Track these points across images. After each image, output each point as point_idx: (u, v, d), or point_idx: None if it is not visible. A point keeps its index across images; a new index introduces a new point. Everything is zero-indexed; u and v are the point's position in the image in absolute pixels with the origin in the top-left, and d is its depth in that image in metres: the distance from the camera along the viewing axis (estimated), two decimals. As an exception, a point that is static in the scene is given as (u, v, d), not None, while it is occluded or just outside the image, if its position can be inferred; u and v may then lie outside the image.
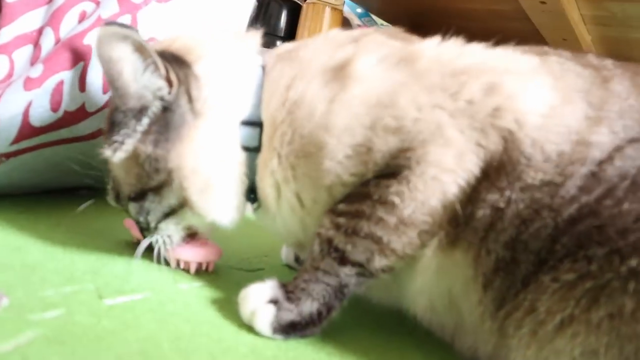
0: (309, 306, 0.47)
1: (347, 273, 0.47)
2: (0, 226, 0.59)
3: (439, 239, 0.46)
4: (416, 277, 0.47)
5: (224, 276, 0.59)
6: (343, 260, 0.47)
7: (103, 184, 0.58)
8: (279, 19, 1.47)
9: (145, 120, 0.50)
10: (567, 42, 1.29)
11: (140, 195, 0.51)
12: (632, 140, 0.42)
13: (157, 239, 0.54)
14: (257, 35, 0.57)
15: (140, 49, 0.48)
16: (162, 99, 0.50)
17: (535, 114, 0.44)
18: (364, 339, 0.51)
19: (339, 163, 0.47)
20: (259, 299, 0.47)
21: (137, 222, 0.54)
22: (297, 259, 0.67)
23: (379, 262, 0.46)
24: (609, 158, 0.41)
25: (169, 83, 0.50)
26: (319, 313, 0.47)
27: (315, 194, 0.49)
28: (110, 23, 0.47)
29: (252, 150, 0.51)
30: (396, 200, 0.45)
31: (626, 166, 0.41)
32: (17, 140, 0.63)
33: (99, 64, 0.68)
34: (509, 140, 0.44)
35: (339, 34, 0.55)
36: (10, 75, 0.66)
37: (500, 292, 0.43)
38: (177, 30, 0.74)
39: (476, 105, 0.45)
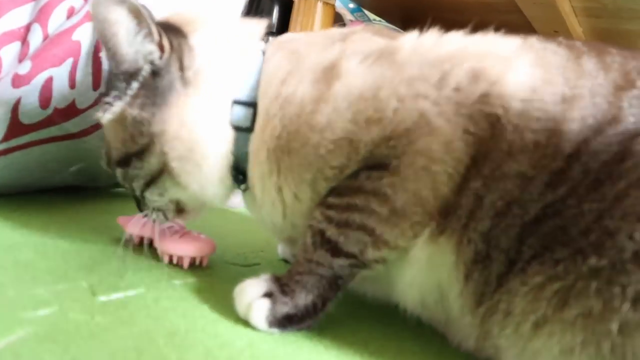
0: (303, 298, 0.46)
1: (340, 264, 0.47)
2: (-9, 225, 0.58)
3: (430, 229, 0.45)
4: (406, 269, 0.47)
5: (219, 271, 0.59)
6: (336, 251, 0.47)
7: (95, 182, 0.58)
8: (270, 14, 1.46)
9: (135, 84, 0.50)
10: (559, 34, 1.29)
11: (125, 161, 0.52)
12: (597, 132, 0.41)
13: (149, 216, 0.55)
14: (261, 23, 0.57)
15: (136, 13, 0.49)
16: (152, 63, 0.50)
17: (518, 99, 0.43)
18: (362, 331, 0.51)
19: (320, 157, 0.47)
20: (254, 293, 0.47)
21: (126, 189, 0.56)
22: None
23: (372, 253, 0.46)
24: (577, 152, 0.41)
25: (161, 49, 0.50)
26: (314, 305, 0.47)
27: (297, 189, 0.49)
28: None
29: (244, 131, 0.51)
30: (388, 191, 0.45)
31: (590, 162, 0.40)
32: (6, 138, 0.62)
33: (89, 60, 0.68)
34: (495, 126, 0.44)
35: (334, 31, 0.56)
36: (-3, 72, 0.65)
37: (478, 286, 0.43)
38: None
39: (463, 92, 0.45)
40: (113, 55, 0.50)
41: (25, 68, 0.62)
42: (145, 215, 0.55)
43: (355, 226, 0.46)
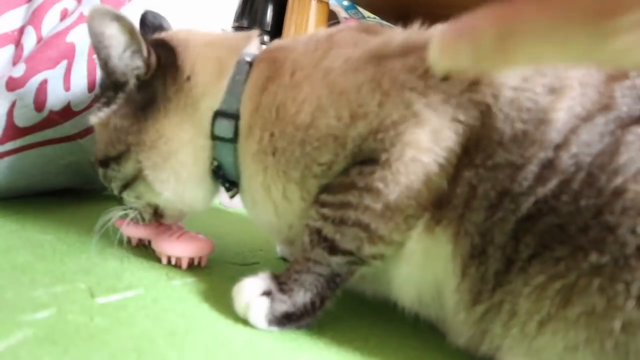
0: (302, 297, 0.46)
1: (338, 262, 0.47)
2: (-13, 229, 0.58)
3: (425, 221, 0.45)
4: (402, 265, 0.47)
5: (218, 271, 0.59)
6: (333, 249, 0.47)
7: (91, 184, 0.58)
8: (264, 13, 1.46)
9: (121, 95, 0.54)
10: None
11: (105, 162, 0.56)
12: (587, 119, 0.41)
13: (128, 213, 0.58)
14: (252, 35, 0.59)
15: (129, 30, 0.52)
16: (137, 78, 0.53)
17: (508, 87, 0.43)
18: (361, 327, 0.51)
19: (307, 154, 0.48)
20: (252, 292, 0.47)
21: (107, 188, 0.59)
22: None
23: (368, 249, 0.46)
24: (565, 143, 0.41)
25: (148, 66, 0.53)
26: (313, 303, 0.47)
27: (285, 188, 0.50)
28: (103, 5, 0.52)
29: (227, 141, 0.53)
30: (380, 186, 0.45)
31: (581, 154, 0.40)
32: (1, 141, 0.62)
33: (83, 62, 0.68)
34: (486, 114, 0.44)
35: (320, 32, 0.56)
36: (-9, 76, 0.65)
37: (475, 283, 0.43)
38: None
39: (451, 80, 0.45)
40: (104, 66, 0.53)
41: (19, 71, 0.62)
42: (125, 211, 0.58)
43: (351, 223, 0.46)
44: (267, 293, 0.46)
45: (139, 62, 0.53)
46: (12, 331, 0.37)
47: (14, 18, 0.66)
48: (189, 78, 0.53)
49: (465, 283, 0.44)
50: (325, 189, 0.48)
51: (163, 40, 0.56)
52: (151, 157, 0.53)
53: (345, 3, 1.69)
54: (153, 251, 0.59)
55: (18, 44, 0.65)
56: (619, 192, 0.38)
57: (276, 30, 1.42)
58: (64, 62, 0.65)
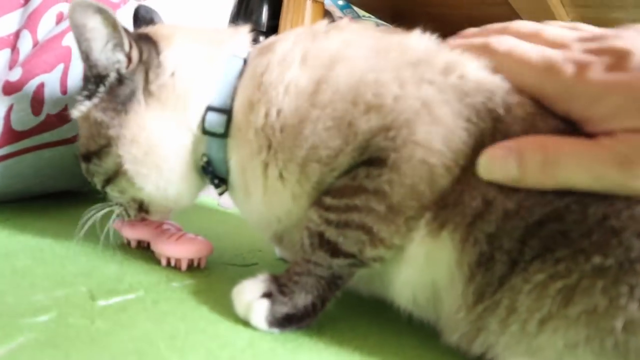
0: (303, 299, 0.46)
1: (339, 264, 0.47)
2: (-14, 234, 0.58)
3: (426, 222, 0.45)
4: (403, 268, 0.47)
5: (217, 272, 0.59)
6: (335, 252, 0.46)
7: (89, 186, 0.58)
8: (260, 14, 1.46)
9: (102, 88, 0.53)
10: (548, 26, 1.30)
11: (86, 157, 0.55)
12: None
13: (113, 209, 0.57)
14: (243, 30, 0.58)
15: (112, 24, 0.51)
16: (118, 71, 0.53)
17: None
18: (361, 326, 0.51)
19: (317, 134, 0.47)
20: (253, 293, 0.47)
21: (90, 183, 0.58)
22: None
23: (370, 251, 0.46)
24: None
25: (129, 59, 0.53)
26: (314, 305, 0.47)
27: (284, 167, 0.49)
28: None
29: (218, 136, 0.52)
30: (386, 188, 0.44)
31: None
32: (-1, 146, 0.62)
33: (80, 65, 0.68)
34: (498, 122, 0.44)
35: (314, 26, 0.56)
36: (-12, 80, 0.65)
37: (480, 288, 0.43)
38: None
39: (469, 82, 0.45)
40: (85, 59, 0.53)
41: (16, 75, 0.62)
42: (109, 208, 0.57)
43: (354, 226, 0.46)
44: (268, 295, 0.46)
45: (120, 56, 0.52)
46: (13, 335, 0.37)
47: (10, 22, 0.66)
48: (173, 74, 0.53)
49: (470, 288, 0.43)
50: (328, 192, 0.47)
51: (147, 35, 0.56)
52: (131, 152, 0.52)
53: (341, 2, 1.69)
54: (152, 253, 0.59)
55: (14, 48, 0.65)
56: (631, 206, 0.39)
57: (272, 31, 1.42)
58: (61, 66, 0.65)
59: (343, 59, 0.48)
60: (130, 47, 0.53)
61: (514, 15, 1.28)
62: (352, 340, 0.47)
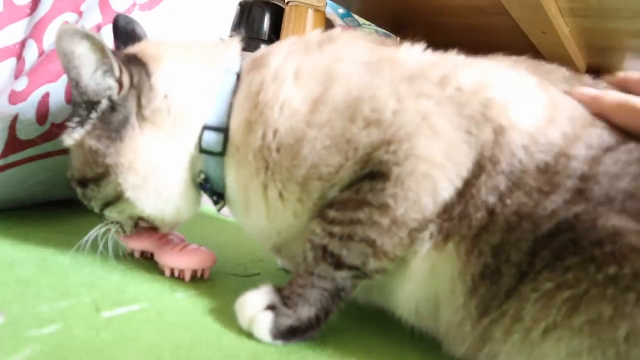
0: (306, 311, 0.47)
1: (343, 277, 0.47)
2: (-10, 243, 0.58)
3: (431, 235, 0.45)
4: (406, 282, 0.48)
5: (220, 283, 0.59)
6: (339, 264, 0.47)
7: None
8: (262, 22, 1.46)
9: (94, 115, 0.52)
10: (547, 35, 1.31)
11: (83, 182, 0.55)
12: (608, 149, 0.43)
13: (109, 227, 0.57)
14: (234, 43, 0.57)
15: (100, 49, 0.50)
16: (110, 98, 0.52)
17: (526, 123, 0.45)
18: (364, 337, 0.51)
19: (316, 153, 0.47)
20: (256, 306, 0.47)
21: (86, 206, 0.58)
22: None
23: (373, 264, 0.46)
24: (592, 173, 0.42)
25: (120, 85, 0.52)
26: (317, 317, 0.47)
27: (284, 187, 0.49)
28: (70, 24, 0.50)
29: (216, 155, 0.52)
30: (390, 201, 0.45)
31: (610, 187, 0.41)
32: (4, 154, 0.62)
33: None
34: (499, 134, 0.44)
35: (304, 37, 0.56)
36: (-6, 89, 0.65)
37: (484, 301, 0.43)
38: (161, 37, 0.74)
39: (465, 94, 0.46)
40: (75, 85, 0.52)
41: (21, 84, 0.63)
42: (106, 227, 0.57)
43: (358, 239, 0.46)
44: (271, 307, 0.47)
45: (111, 82, 0.51)
46: (20, 347, 0.38)
47: (16, 31, 0.67)
48: (166, 96, 0.52)
49: (473, 301, 0.44)
50: (331, 205, 0.48)
51: (135, 56, 0.54)
52: (130, 179, 0.52)
53: (341, 11, 1.70)
54: (156, 263, 0.59)
55: (20, 57, 0.66)
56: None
57: (274, 40, 1.43)
58: (65, 75, 0.66)
59: (338, 78, 0.48)
60: (121, 72, 0.51)
61: (513, 25, 1.29)
62: (356, 352, 0.47)
